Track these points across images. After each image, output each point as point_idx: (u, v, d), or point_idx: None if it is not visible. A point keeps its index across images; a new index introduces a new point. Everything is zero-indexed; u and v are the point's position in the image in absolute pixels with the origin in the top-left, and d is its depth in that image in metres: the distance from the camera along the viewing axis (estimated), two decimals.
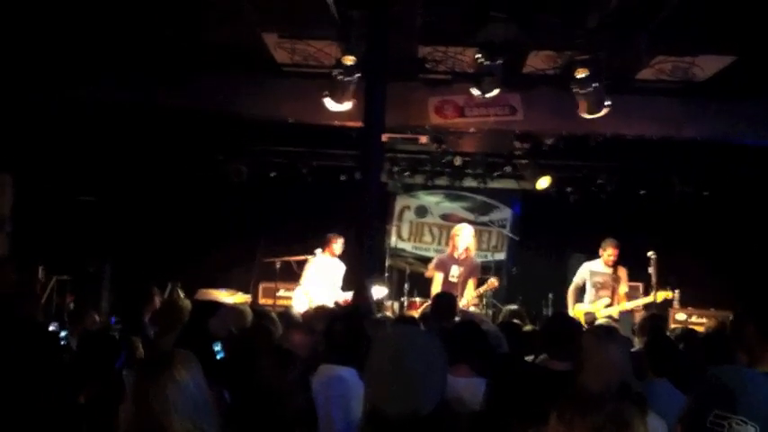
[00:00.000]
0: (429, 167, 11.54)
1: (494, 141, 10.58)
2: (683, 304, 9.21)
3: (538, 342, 5.04)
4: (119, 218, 10.97)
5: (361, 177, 7.71)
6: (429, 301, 8.45)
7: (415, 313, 9.00)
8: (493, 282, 9.27)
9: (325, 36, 8.02)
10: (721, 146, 9.83)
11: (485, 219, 12.11)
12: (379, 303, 8.89)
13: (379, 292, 8.55)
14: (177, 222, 11.31)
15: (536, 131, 10.14)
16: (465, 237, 9.31)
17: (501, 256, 12.10)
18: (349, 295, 9.03)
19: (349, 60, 7.87)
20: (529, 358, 5.02)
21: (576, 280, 9.44)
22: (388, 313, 9.05)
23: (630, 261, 9.13)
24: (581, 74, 8.01)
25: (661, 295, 8.82)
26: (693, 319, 9.25)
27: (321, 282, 9.65)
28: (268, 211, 11.37)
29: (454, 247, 9.30)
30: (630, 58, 7.94)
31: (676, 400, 3.61)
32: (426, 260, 10.79)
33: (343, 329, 4.48)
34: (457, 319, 7.52)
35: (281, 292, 10.38)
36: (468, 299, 9.07)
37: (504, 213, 12.31)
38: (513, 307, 7.85)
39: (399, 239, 12.14)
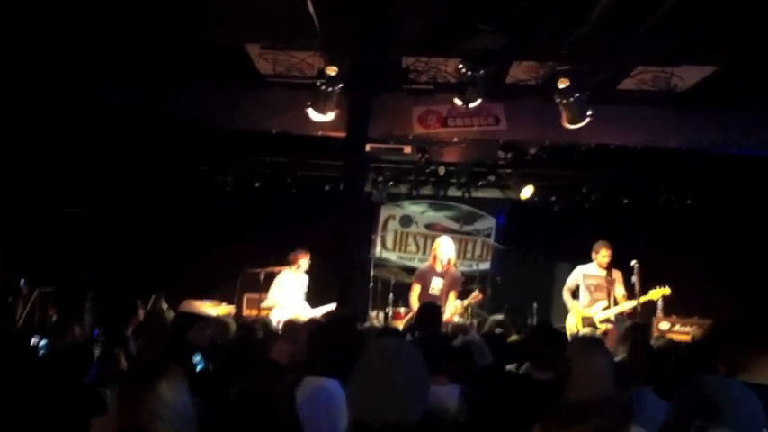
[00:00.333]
0: (413, 177, 11.54)
1: (477, 151, 10.60)
2: (667, 313, 9.24)
3: (522, 352, 5.06)
4: (103, 229, 10.90)
5: (346, 187, 7.70)
6: (413, 312, 8.46)
7: (400, 323, 9.01)
8: (477, 294, 9.30)
9: (307, 47, 8.02)
10: (704, 155, 9.89)
11: (469, 228, 12.16)
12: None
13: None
14: (161, 233, 11.25)
15: (519, 141, 10.17)
16: (446, 249, 9.35)
17: (486, 265, 12.11)
18: (316, 311, 9.20)
19: (332, 71, 7.89)
20: (511, 367, 5.04)
21: (569, 283, 9.46)
22: (375, 323, 9.07)
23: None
24: (563, 84, 8.07)
25: (658, 292, 8.86)
26: (677, 327, 9.27)
27: (286, 298, 9.72)
28: (252, 222, 11.35)
29: (435, 260, 9.34)
30: (612, 68, 7.99)
31: (660, 410, 3.62)
32: (411, 270, 10.81)
33: (327, 340, 4.48)
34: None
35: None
36: (451, 311, 9.09)
37: (489, 223, 12.33)
38: (498, 317, 7.85)
39: (384, 249, 12.17)
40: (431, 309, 7.04)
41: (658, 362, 4.78)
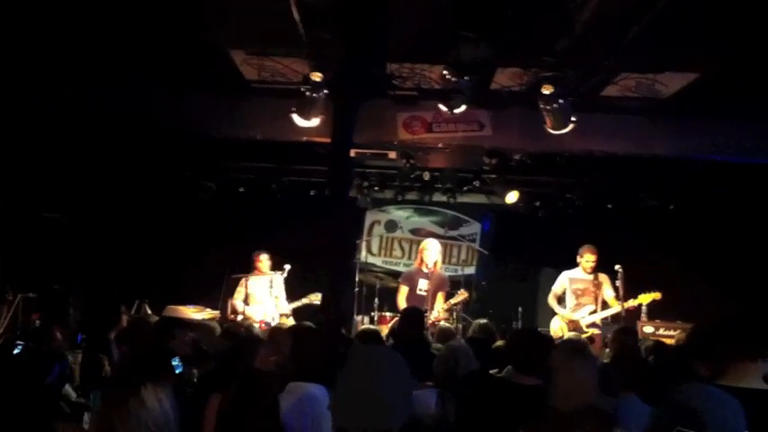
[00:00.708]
0: (398, 183, 11.57)
1: (462, 157, 10.64)
2: (651, 317, 9.28)
3: (506, 357, 5.07)
4: (86, 235, 10.84)
5: (331, 193, 7.70)
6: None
7: (386, 328, 9.02)
8: (463, 292, 9.34)
9: (292, 53, 8.02)
10: (687, 161, 9.95)
11: (454, 233, 12.20)
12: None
13: None
14: (145, 239, 11.22)
15: (504, 147, 10.19)
16: (432, 251, 9.42)
17: (471, 270, 12.17)
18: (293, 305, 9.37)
19: (317, 77, 7.89)
20: (496, 372, 5.05)
21: (556, 289, 9.49)
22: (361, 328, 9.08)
23: None
24: (547, 90, 8.09)
25: (649, 296, 8.88)
26: (661, 331, 9.31)
27: (253, 303, 9.83)
28: (237, 228, 11.33)
29: (422, 261, 9.38)
30: (596, 75, 8.03)
31: (646, 415, 3.63)
32: (396, 274, 10.84)
33: (312, 346, 4.47)
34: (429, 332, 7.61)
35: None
36: (439, 312, 9.12)
37: (474, 228, 12.38)
38: (483, 321, 7.88)
39: (369, 254, 12.20)
40: (413, 313, 7.05)
41: (643, 365, 4.80)
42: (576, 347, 4.29)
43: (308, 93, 8.17)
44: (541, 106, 8.36)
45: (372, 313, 10.01)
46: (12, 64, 8.21)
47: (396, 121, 9.59)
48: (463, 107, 8.52)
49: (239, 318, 9.61)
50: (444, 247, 10.98)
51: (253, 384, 3.66)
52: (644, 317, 9.30)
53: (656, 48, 7.25)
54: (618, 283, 8.91)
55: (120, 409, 2.78)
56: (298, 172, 11.24)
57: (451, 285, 9.95)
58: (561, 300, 9.47)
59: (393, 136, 9.68)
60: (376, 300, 10.17)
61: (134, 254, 11.09)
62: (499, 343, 6.49)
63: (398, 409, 2.49)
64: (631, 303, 8.93)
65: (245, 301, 9.82)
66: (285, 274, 9.92)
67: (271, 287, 9.80)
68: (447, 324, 9.00)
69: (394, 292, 9.88)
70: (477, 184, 11.29)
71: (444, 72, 7.75)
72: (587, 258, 9.21)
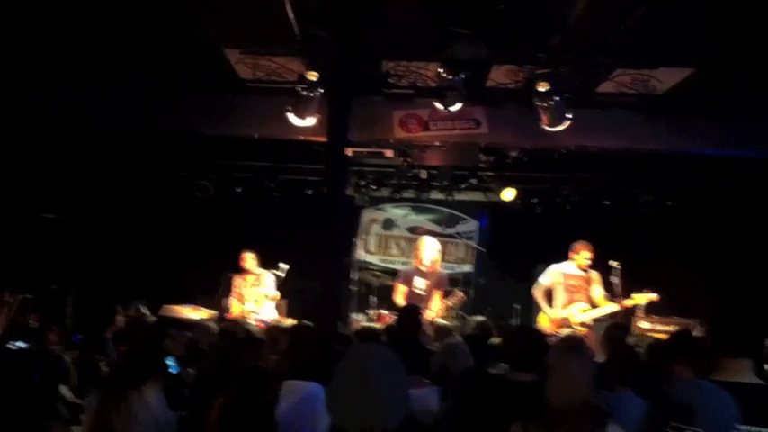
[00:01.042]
0: (395, 181, 11.57)
1: (459, 154, 10.65)
2: (646, 312, 9.29)
3: (503, 353, 5.07)
4: (83, 235, 10.85)
5: (327, 192, 7.69)
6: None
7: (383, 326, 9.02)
8: (458, 293, 9.33)
9: (287, 53, 8.02)
10: (683, 157, 9.97)
11: (451, 231, 12.19)
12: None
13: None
14: (143, 239, 11.22)
15: (501, 144, 10.19)
16: (430, 249, 9.39)
17: (468, 267, 12.16)
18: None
19: (312, 76, 7.89)
20: (493, 369, 5.05)
21: (544, 281, 9.26)
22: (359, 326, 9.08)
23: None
24: (542, 87, 8.11)
25: (645, 297, 8.85)
26: (657, 327, 9.32)
27: (245, 302, 9.79)
28: (234, 227, 11.33)
29: (419, 260, 9.37)
30: (590, 72, 8.04)
31: (641, 410, 3.64)
32: (393, 273, 10.82)
33: (309, 344, 4.48)
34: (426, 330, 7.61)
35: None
36: (436, 310, 9.12)
37: (471, 225, 12.37)
38: (480, 318, 7.88)
39: (366, 252, 12.21)
40: (410, 310, 7.05)
41: (638, 360, 4.81)
42: (572, 345, 4.28)
43: (303, 92, 8.17)
44: (537, 103, 8.38)
45: (370, 312, 10.01)
46: (11, 64, 8.23)
47: (392, 120, 9.59)
48: (459, 105, 8.53)
49: (233, 316, 9.59)
50: (442, 244, 10.98)
51: (253, 384, 3.65)
52: (639, 312, 9.28)
53: (650, 43, 7.26)
54: (615, 279, 8.88)
55: (117, 408, 2.79)
56: (294, 171, 11.25)
57: (449, 283, 9.94)
58: (549, 293, 9.29)
59: (389, 134, 9.69)
60: (374, 298, 10.20)
61: (131, 254, 11.09)
62: (495, 340, 6.49)
63: (395, 407, 2.49)
64: (627, 303, 8.88)
65: (240, 300, 9.81)
66: (283, 274, 9.90)
67: (259, 285, 9.78)
68: (444, 321, 9.01)
69: (391, 291, 9.88)
70: (473, 181, 11.31)
71: (440, 70, 7.76)
72: (584, 255, 9.12)
